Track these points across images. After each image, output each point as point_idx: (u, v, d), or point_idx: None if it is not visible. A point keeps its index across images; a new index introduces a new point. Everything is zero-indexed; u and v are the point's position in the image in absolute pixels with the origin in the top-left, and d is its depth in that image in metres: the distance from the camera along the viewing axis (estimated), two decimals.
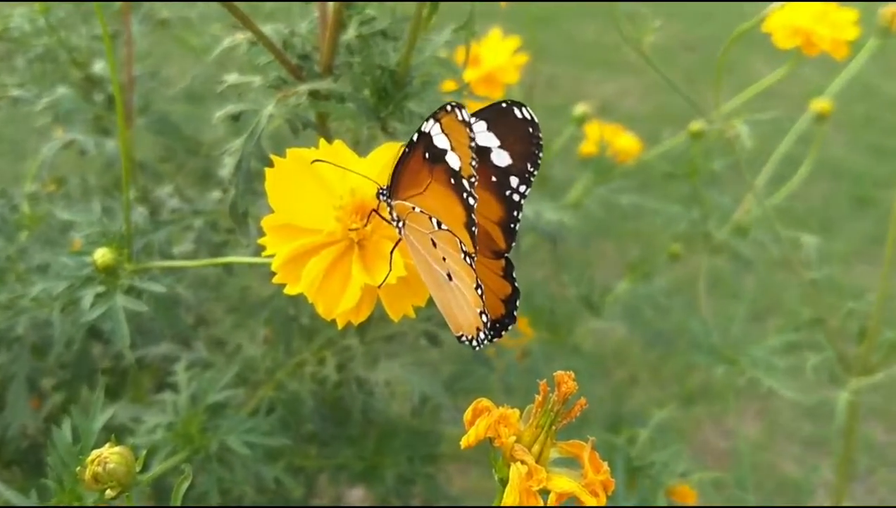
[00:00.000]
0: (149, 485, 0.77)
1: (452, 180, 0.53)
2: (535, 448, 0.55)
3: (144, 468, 0.74)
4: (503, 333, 0.61)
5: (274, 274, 0.59)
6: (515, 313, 0.60)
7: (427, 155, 0.54)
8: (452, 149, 0.53)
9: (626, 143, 1.51)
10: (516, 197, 0.58)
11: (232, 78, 0.78)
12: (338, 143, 0.61)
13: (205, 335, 1.06)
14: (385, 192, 0.58)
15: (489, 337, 0.58)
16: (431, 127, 0.54)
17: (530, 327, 1.34)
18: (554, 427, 0.55)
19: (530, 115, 0.58)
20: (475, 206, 0.54)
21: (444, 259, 0.56)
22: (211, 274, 1.05)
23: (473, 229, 0.54)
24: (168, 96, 1.19)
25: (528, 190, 0.59)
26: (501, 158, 0.58)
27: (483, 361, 1.02)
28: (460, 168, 0.53)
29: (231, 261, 0.71)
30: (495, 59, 1.25)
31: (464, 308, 0.57)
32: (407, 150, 0.56)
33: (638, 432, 1.05)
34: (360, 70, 0.77)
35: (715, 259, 1.36)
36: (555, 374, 0.55)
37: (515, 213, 0.58)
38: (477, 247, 0.55)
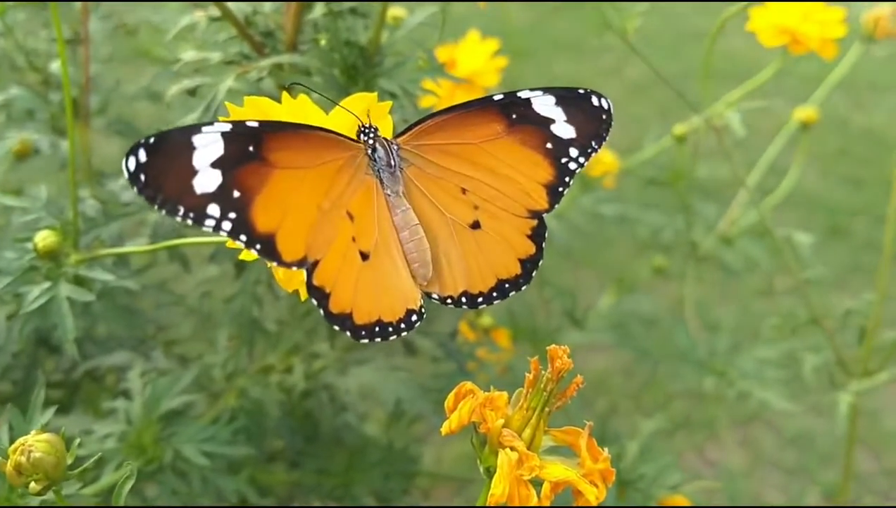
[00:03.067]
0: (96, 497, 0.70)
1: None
2: (526, 433, 0.50)
3: (93, 479, 0.67)
4: (510, 294, 0.61)
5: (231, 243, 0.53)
6: (534, 273, 0.61)
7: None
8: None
9: (605, 159, 1.48)
10: (573, 165, 0.61)
11: (189, 55, 0.73)
12: (302, 97, 0.56)
13: (164, 341, 0.99)
14: (367, 129, 0.58)
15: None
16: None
17: (512, 341, 1.28)
18: (547, 410, 0.50)
19: (607, 104, 0.62)
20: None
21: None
22: (170, 277, 0.99)
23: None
24: (128, 95, 1.13)
25: (587, 161, 0.62)
26: (565, 131, 0.61)
27: (464, 372, 0.96)
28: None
29: (183, 243, 0.65)
30: (473, 62, 1.20)
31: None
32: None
33: (625, 447, 0.99)
34: (328, 47, 0.72)
35: (696, 287, 1.33)
36: (548, 348, 0.49)
37: (567, 179, 0.61)
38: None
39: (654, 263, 1.42)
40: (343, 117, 0.57)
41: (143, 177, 0.51)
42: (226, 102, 0.52)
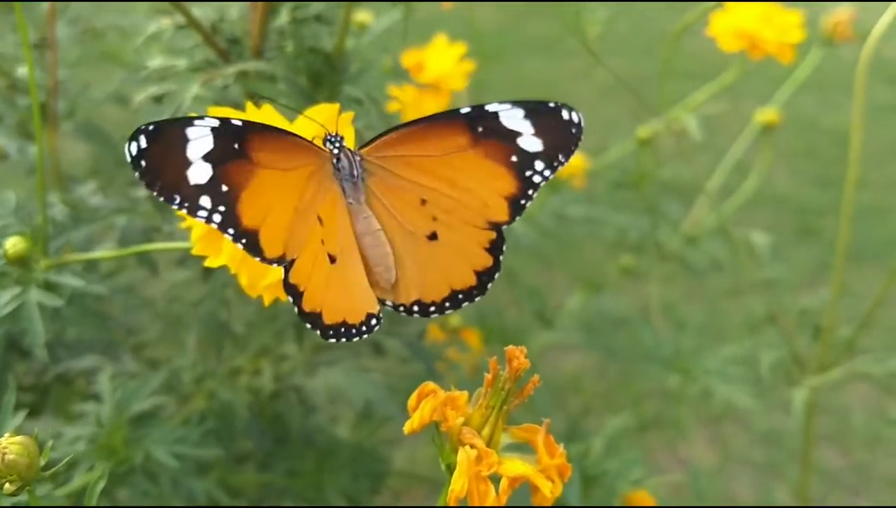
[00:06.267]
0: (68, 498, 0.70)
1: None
2: (486, 430, 0.51)
3: (64, 481, 0.68)
4: (463, 305, 0.62)
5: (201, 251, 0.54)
6: (489, 285, 0.62)
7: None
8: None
9: (573, 160, 1.49)
10: (537, 179, 0.61)
11: (156, 62, 0.74)
12: (266, 106, 0.57)
13: (133, 345, 1.00)
14: (333, 138, 0.59)
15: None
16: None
17: (482, 341, 1.29)
18: (505, 408, 0.51)
19: (578, 118, 0.61)
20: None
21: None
22: (138, 280, 0.99)
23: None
24: (96, 100, 1.13)
25: (552, 174, 0.62)
26: (532, 144, 0.61)
27: (433, 373, 0.97)
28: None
29: (151, 249, 0.66)
30: (441, 66, 1.21)
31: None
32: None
33: (592, 444, 1.01)
34: (293, 54, 0.73)
35: (663, 289, 1.35)
36: (506, 349, 0.51)
37: (530, 191, 0.61)
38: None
39: (621, 263, 1.44)
40: (308, 125, 0.58)
41: (143, 162, 0.53)
42: (189, 114, 0.53)
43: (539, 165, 0.61)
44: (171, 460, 0.74)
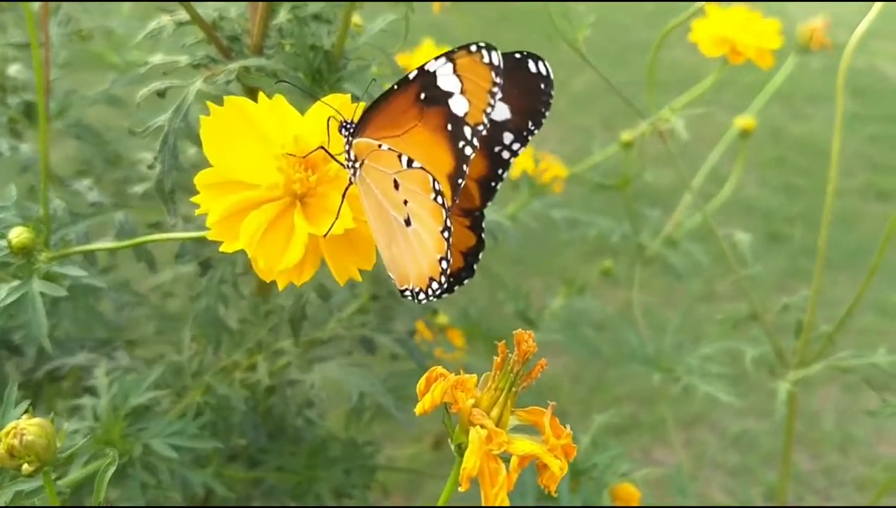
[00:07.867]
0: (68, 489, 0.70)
1: (449, 126, 0.50)
2: (495, 411, 0.53)
3: (62, 475, 0.69)
4: (456, 288, 0.58)
5: (212, 238, 0.55)
6: (476, 266, 0.57)
7: (423, 96, 0.51)
8: (462, 92, 0.50)
9: (554, 165, 1.52)
10: (506, 154, 0.55)
11: (157, 58, 0.75)
12: (278, 97, 0.58)
13: (126, 341, 1.00)
14: (348, 125, 0.55)
15: (444, 289, 0.55)
16: (440, 67, 0.51)
17: (466, 342, 1.31)
18: (514, 390, 0.53)
19: (546, 69, 0.54)
20: (471, 157, 0.51)
21: (405, 202, 0.53)
22: (133, 277, 1.00)
23: (460, 181, 0.51)
24: (87, 98, 1.14)
25: (522, 149, 0.55)
26: (498, 112, 0.53)
27: (424, 370, 0.98)
28: (465, 114, 0.50)
29: (156, 239, 0.67)
30: None
31: (418, 258, 0.54)
32: (395, 87, 0.53)
33: (578, 439, 1.03)
34: (293, 51, 0.75)
35: (641, 293, 1.37)
36: (514, 332, 0.52)
37: (500, 171, 0.55)
38: (456, 200, 0.52)
39: (601, 267, 1.46)
40: (317, 117, 0.59)
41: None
42: (207, 102, 0.54)
43: (507, 137, 0.56)
44: (169, 452, 0.75)
